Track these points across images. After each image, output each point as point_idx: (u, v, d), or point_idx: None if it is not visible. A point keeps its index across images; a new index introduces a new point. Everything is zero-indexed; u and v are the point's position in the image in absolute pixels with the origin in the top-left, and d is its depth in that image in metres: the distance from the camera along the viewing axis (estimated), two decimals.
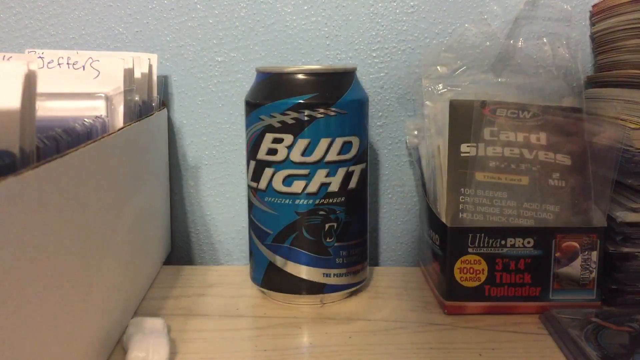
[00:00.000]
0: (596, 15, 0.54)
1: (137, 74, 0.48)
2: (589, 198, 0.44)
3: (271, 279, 0.46)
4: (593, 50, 0.55)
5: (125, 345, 0.38)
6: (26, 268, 0.25)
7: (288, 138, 0.43)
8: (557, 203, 0.44)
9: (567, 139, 0.45)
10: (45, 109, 0.36)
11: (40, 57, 0.40)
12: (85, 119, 0.35)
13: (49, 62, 0.40)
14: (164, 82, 0.57)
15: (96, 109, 0.38)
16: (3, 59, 0.40)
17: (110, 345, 0.38)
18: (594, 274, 0.44)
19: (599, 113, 0.48)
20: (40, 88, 0.28)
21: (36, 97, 0.27)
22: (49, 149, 0.29)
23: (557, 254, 0.43)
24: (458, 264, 0.44)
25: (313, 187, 0.44)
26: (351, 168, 0.45)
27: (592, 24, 0.55)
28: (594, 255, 0.43)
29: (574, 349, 0.38)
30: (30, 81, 0.26)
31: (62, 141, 0.31)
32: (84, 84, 0.40)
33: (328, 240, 0.45)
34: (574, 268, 0.44)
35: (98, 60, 0.41)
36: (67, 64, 0.40)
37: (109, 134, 0.37)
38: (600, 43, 0.54)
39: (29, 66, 0.26)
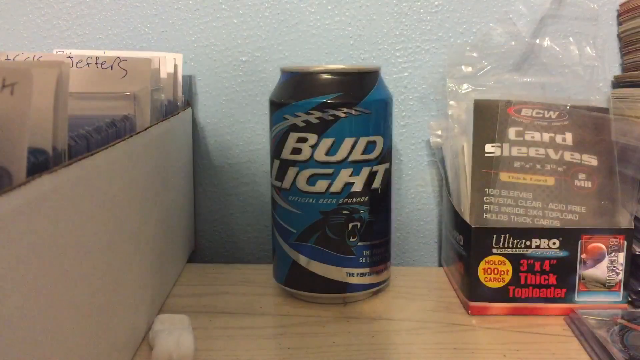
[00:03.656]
0: (623, 14, 0.53)
1: (163, 74, 0.48)
2: (615, 199, 0.44)
3: (294, 278, 0.46)
4: (620, 50, 0.55)
5: (151, 341, 0.39)
6: (58, 264, 0.26)
7: (312, 137, 0.43)
8: (583, 204, 0.44)
9: (594, 140, 0.45)
10: (75, 108, 0.37)
11: (69, 57, 0.41)
12: (114, 118, 0.36)
13: (77, 62, 0.41)
14: (188, 82, 0.58)
15: (124, 108, 0.38)
16: (33, 58, 0.40)
17: (137, 342, 0.39)
18: (620, 276, 0.43)
19: (626, 114, 0.48)
20: (70, 87, 0.28)
21: (68, 97, 0.28)
22: (80, 147, 0.30)
23: (583, 256, 0.43)
24: (482, 265, 0.43)
25: (337, 187, 0.44)
26: (375, 168, 0.45)
27: (619, 24, 0.54)
28: (621, 257, 0.43)
29: (599, 351, 0.37)
30: (62, 81, 0.27)
31: (92, 140, 0.31)
32: (112, 84, 0.41)
33: (351, 239, 0.45)
34: (600, 270, 0.43)
35: (126, 60, 0.41)
36: (96, 63, 0.41)
37: (137, 133, 0.37)
38: (627, 43, 0.53)
39: (61, 66, 0.27)
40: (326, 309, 0.46)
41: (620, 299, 0.43)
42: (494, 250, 0.43)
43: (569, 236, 0.43)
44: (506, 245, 0.43)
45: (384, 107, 0.45)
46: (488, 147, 0.45)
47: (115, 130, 0.35)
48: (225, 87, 0.58)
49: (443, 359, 0.38)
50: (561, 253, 0.43)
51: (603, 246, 0.43)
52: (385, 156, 0.45)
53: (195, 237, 0.60)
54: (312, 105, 0.43)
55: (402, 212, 0.59)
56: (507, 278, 0.43)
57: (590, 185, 0.44)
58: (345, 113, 0.43)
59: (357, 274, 0.46)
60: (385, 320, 0.44)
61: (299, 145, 0.44)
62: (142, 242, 0.39)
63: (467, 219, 0.45)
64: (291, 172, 0.44)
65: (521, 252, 0.43)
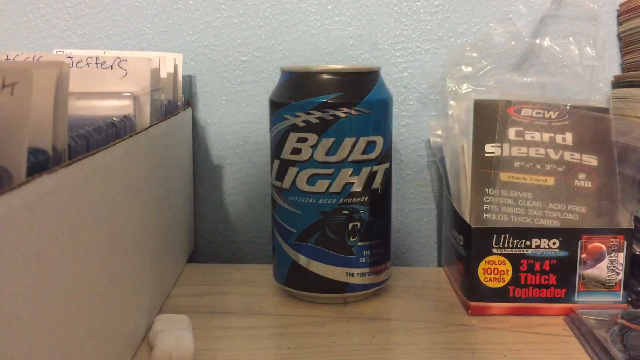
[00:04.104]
0: (623, 14, 0.53)
1: (163, 74, 0.48)
2: (615, 199, 0.44)
3: (294, 278, 0.46)
4: (620, 50, 0.55)
5: (151, 341, 0.39)
6: (58, 264, 0.26)
7: (312, 137, 0.43)
8: (583, 204, 0.44)
9: (594, 139, 0.45)
10: (75, 108, 0.37)
11: (69, 57, 0.41)
12: (114, 118, 0.36)
13: (77, 62, 0.41)
14: (188, 82, 0.58)
15: (124, 108, 0.38)
16: (33, 58, 0.40)
17: (137, 342, 0.39)
18: (620, 276, 0.43)
19: (626, 114, 0.48)
20: (70, 87, 0.28)
21: (68, 97, 0.28)
22: (80, 147, 0.30)
23: (583, 256, 0.43)
24: (482, 265, 0.43)
25: (337, 187, 0.44)
26: (375, 168, 0.45)
27: (619, 24, 0.54)
28: (621, 257, 0.43)
29: (599, 351, 0.37)
30: (62, 81, 0.27)
31: (92, 140, 0.31)
32: (112, 84, 0.41)
33: (351, 239, 0.45)
34: (600, 270, 0.43)
35: (126, 60, 0.41)
36: (96, 63, 0.41)
37: (137, 133, 0.37)
38: (627, 43, 0.53)
39: (61, 66, 0.27)
40: (326, 309, 0.46)
41: (620, 299, 0.43)
42: (494, 250, 0.43)
43: (569, 236, 0.43)
44: (506, 245, 0.43)
45: (384, 107, 0.45)
46: (488, 147, 0.45)
47: (115, 130, 0.35)
48: (225, 87, 0.58)
49: (443, 359, 0.38)
50: (561, 253, 0.43)
51: (603, 246, 0.43)
52: (385, 156, 0.45)
53: (195, 237, 0.60)
54: (312, 105, 0.43)
55: (402, 212, 0.59)
56: (507, 278, 0.43)
57: (590, 185, 0.44)
58: (345, 113, 0.43)
59: (357, 274, 0.46)
60: (385, 320, 0.44)
61: (299, 145, 0.44)
62: (142, 242, 0.39)
63: (467, 219, 0.45)
64: (291, 172, 0.44)
65: (521, 252, 0.43)
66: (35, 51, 0.58)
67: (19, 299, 0.22)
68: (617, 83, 0.54)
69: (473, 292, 0.44)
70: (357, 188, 0.44)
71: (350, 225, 0.45)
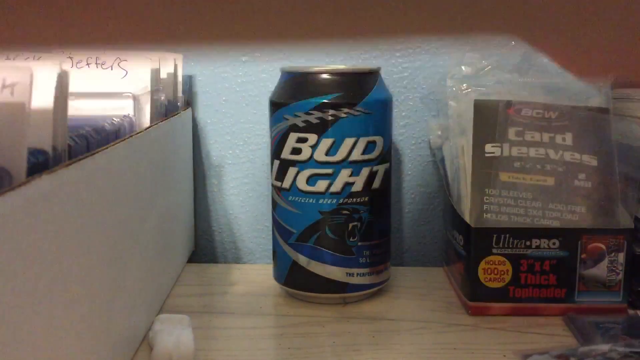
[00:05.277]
0: None
1: (163, 74, 0.48)
2: (615, 199, 0.44)
3: (294, 278, 0.46)
4: None
5: (150, 341, 0.39)
6: (57, 264, 0.26)
7: (312, 137, 0.43)
8: (583, 204, 0.44)
9: (594, 140, 0.45)
10: (75, 108, 0.37)
11: (69, 57, 0.41)
12: (114, 118, 0.36)
13: (77, 62, 0.41)
14: (188, 82, 0.58)
15: (124, 108, 0.38)
16: (33, 58, 0.40)
17: (137, 342, 0.39)
18: (620, 276, 0.43)
19: (626, 114, 0.48)
20: (70, 87, 0.28)
21: (68, 97, 0.28)
22: (80, 147, 0.30)
23: (583, 256, 0.43)
24: (482, 265, 0.43)
25: (337, 187, 0.44)
26: (375, 168, 0.45)
27: None
28: (621, 257, 0.43)
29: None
30: (62, 81, 0.27)
31: (92, 140, 0.31)
32: (112, 84, 0.41)
33: (351, 239, 0.45)
34: (600, 270, 0.43)
35: (126, 60, 0.41)
36: (96, 63, 0.41)
37: (137, 133, 0.37)
38: None
39: (62, 66, 0.27)
40: (326, 309, 0.46)
41: (620, 299, 0.43)
42: (494, 250, 0.43)
43: (569, 236, 0.43)
44: (506, 245, 0.43)
45: (384, 107, 0.45)
46: (488, 147, 0.45)
47: (115, 131, 0.35)
48: (225, 87, 0.58)
49: (443, 359, 0.38)
50: (561, 253, 0.43)
51: (603, 246, 0.43)
52: (385, 156, 0.45)
53: (195, 237, 0.60)
54: (312, 105, 0.43)
55: (402, 212, 0.59)
56: (507, 278, 0.43)
57: (590, 185, 0.44)
58: (345, 113, 0.43)
59: (357, 274, 0.46)
60: (385, 321, 0.44)
61: (299, 145, 0.44)
62: (141, 242, 0.39)
63: (467, 219, 0.45)
64: (291, 172, 0.44)
65: (521, 252, 0.43)
66: (35, 51, 0.58)
67: (19, 298, 0.22)
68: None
69: (473, 292, 0.44)
70: (357, 188, 0.44)
71: (350, 225, 0.45)
